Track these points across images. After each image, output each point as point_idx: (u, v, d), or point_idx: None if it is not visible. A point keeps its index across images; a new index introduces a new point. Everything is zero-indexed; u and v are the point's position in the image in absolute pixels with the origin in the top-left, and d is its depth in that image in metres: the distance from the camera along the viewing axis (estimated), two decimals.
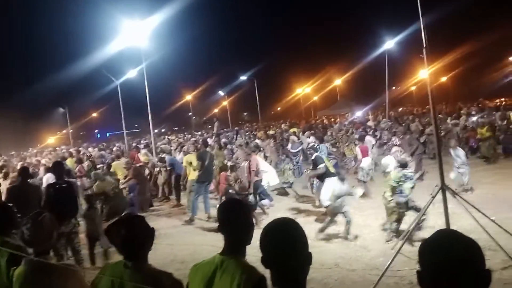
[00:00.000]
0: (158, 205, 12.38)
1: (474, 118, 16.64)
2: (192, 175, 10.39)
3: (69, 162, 13.05)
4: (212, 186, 11.14)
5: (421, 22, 5.90)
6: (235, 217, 2.19)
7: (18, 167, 10.94)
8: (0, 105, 43.36)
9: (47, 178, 9.14)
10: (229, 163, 11.00)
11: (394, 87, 49.91)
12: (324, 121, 33.19)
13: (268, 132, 22.47)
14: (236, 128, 32.89)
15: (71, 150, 20.52)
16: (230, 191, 9.24)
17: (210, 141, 18.86)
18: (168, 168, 12.45)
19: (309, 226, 8.57)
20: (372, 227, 8.11)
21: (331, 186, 8.71)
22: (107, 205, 9.48)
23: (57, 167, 6.59)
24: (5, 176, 11.27)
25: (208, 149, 11.11)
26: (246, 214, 2.25)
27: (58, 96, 52.03)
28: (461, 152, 10.51)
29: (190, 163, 10.42)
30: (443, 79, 51.89)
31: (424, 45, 5.95)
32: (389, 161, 7.73)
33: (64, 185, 6.18)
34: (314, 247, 7.22)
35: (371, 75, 44.09)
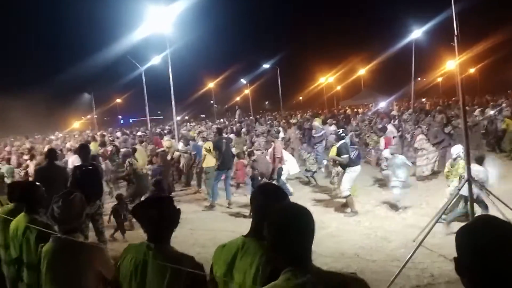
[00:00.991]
0: (179, 191, 12.53)
1: (492, 112, 16.12)
2: (208, 162, 10.47)
3: (93, 146, 13.30)
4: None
5: (453, 9, 5.72)
6: (264, 199, 2.16)
7: (45, 149, 11.20)
8: (29, 90, 44.42)
9: (73, 161, 9.37)
10: (248, 150, 11.05)
11: (419, 78, 48.92)
12: (347, 111, 32.80)
13: (290, 121, 22.41)
14: (256, 116, 32.87)
15: (95, 134, 20.93)
16: (256, 172, 9.27)
17: (234, 128, 18.98)
18: (192, 154, 12.56)
19: (329, 216, 8.58)
20: (393, 218, 8.03)
21: (353, 176, 8.66)
22: (131, 187, 9.65)
23: (83, 150, 6.72)
24: (32, 158, 11.59)
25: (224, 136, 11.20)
26: (279, 196, 2.21)
27: (84, 82, 53.01)
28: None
29: (209, 150, 10.49)
30: (471, 70, 50.48)
31: (456, 33, 5.78)
32: (459, 149, 7.56)
33: (90, 167, 6.31)
34: (335, 237, 7.23)
35: (397, 65, 43.26)
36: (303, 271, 1.62)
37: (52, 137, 27.11)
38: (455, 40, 5.76)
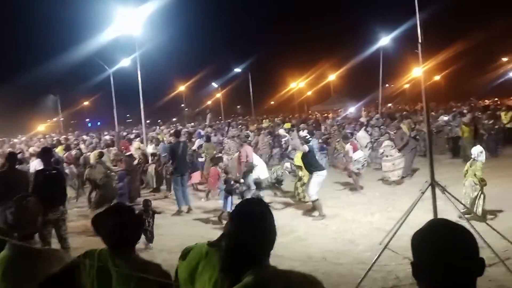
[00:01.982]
0: (147, 195, 12.32)
1: (446, 118, 16.73)
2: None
3: (59, 150, 12.94)
4: (198, 178, 11.15)
5: (417, 17, 5.90)
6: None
7: (6, 153, 10.80)
8: None
9: (35, 165, 9.07)
10: (219, 155, 10.98)
11: (387, 85, 50.09)
12: (317, 116, 33.21)
13: (261, 125, 22.48)
14: (228, 121, 32.83)
15: (60, 138, 20.37)
16: (229, 176, 9.23)
17: (202, 132, 18.85)
18: (160, 157, 12.39)
19: (297, 220, 8.64)
20: (360, 222, 8.15)
21: (320, 180, 8.77)
22: (96, 193, 9.42)
23: (46, 154, 6.50)
24: None
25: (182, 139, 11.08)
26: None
27: (49, 83, 51.43)
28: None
29: None
30: (437, 77, 52.11)
31: (419, 41, 5.95)
32: (478, 150, 7.83)
33: (53, 171, 6.11)
34: (302, 240, 7.27)
35: (365, 72, 44.09)
36: (262, 272, 1.62)
37: (16, 140, 26.20)
38: (419, 47, 5.93)
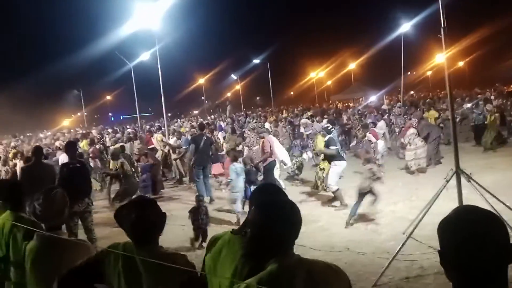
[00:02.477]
0: (171, 187, 12.49)
1: (468, 105, 16.29)
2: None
3: (83, 144, 13.20)
4: (219, 170, 11.19)
5: (440, 1, 5.73)
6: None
7: (32, 148, 11.09)
8: (16, 87, 43.79)
9: (62, 159, 9.28)
10: (238, 148, 10.98)
11: (409, 72, 49.20)
12: (338, 105, 32.89)
13: (281, 116, 22.41)
14: (244, 112, 32.81)
15: (84, 132, 20.78)
16: (248, 167, 9.23)
17: (223, 124, 18.92)
18: (183, 149, 12.51)
19: (319, 210, 8.62)
20: (383, 211, 8.05)
21: (338, 170, 8.72)
22: (120, 187, 9.58)
23: (70, 148, 6.65)
24: (14, 156, 11.42)
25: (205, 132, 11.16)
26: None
27: (72, 78, 52.43)
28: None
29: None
30: (460, 63, 50.87)
31: (442, 25, 5.79)
32: None
33: (77, 164, 6.25)
34: (325, 230, 7.25)
35: (387, 59, 43.48)
36: (286, 260, 1.63)
37: (41, 135, 26.85)
38: (442, 32, 5.77)
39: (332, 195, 8.89)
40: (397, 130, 14.45)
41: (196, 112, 50.58)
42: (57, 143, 15.42)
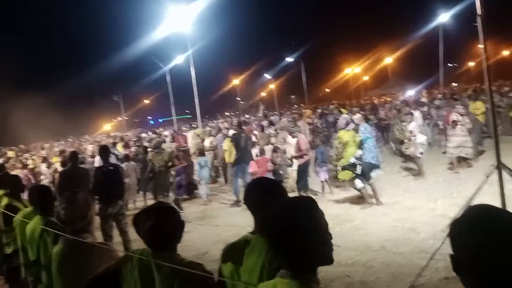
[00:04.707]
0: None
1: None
2: (230, 157, 10.49)
3: (119, 147, 13.54)
4: (253, 168, 11.15)
5: None
6: (263, 195, 2.09)
7: (69, 153, 11.50)
8: (56, 93, 45.43)
9: (96, 162, 9.55)
10: (270, 146, 10.91)
11: (450, 64, 47.44)
12: (374, 101, 32.11)
13: (316, 111, 22.18)
14: (281, 111, 32.66)
15: (119, 135, 21.34)
16: (277, 167, 9.18)
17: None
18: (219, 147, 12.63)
19: (354, 208, 8.38)
20: (423, 209, 7.77)
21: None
22: (153, 182, 9.71)
23: (103, 152, 6.81)
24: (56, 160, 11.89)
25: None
26: (277, 191, 2.12)
27: (111, 83, 53.94)
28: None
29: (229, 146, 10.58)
30: (505, 52, 48.48)
31: (479, 13, 5.48)
32: None
33: (110, 168, 6.38)
34: (360, 230, 7.05)
35: (425, 52, 42.05)
36: (295, 276, 1.52)
37: (82, 139, 27.83)
38: (478, 21, 5.46)
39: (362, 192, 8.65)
40: (440, 123, 13.83)
41: (231, 114, 50.97)
42: (90, 148, 15.90)
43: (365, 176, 8.33)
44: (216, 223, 8.23)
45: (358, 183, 8.35)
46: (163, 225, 2.15)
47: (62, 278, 2.71)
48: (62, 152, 15.58)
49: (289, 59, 47.15)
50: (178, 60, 27.14)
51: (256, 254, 1.97)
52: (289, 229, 1.52)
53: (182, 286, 2.05)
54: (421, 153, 10.52)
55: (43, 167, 13.11)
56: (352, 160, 8.29)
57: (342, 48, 56.13)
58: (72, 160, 7.00)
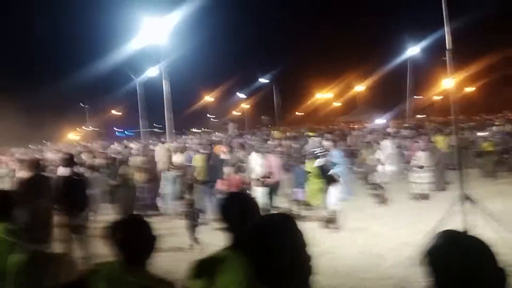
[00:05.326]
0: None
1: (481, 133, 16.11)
2: (200, 175, 10.42)
3: (86, 157, 13.14)
4: (222, 186, 11.06)
5: (445, 22, 5.65)
6: (238, 211, 2.03)
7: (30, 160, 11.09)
8: (23, 99, 44.01)
9: (62, 172, 9.18)
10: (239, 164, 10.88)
11: (415, 96, 49.16)
12: (342, 127, 32.80)
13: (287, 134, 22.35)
14: (253, 131, 32.83)
15: (85, 144, 20.80)
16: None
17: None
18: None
19: (322, 232, 8.37)
20: (388, 235, 7.85)
21: (337, 190, 8.60)
22: (119, 196, 9.46)
23: (68, 161, 6.54)
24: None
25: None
26: (256, 207, 2.08)
27: (80, 92, 52.73)
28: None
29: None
30: (468, 89, 50.75)
31: (448, 47, 5.70)
32: None
33: (75, 177, 6.13)
34: (328, 254, 7.03)
35: (394, 82, 43.50)
36: None
37: (44, 147, 26.94)
38: (447, 55, 5.68)
39: (326, 215, 8.71)
40: (405, 152, 14.22)
41: (199, 129, 50.78)
42: (50, 156, 15.38)
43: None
44: (181, 241, 8.02)
45: (330, 205, 8.41)
46: (135, 238, 2.08)
47: (21, 286, 2.54)
48: (21, 160, 14.99)
49: (262, 80, 47.72)
50: (151, 72, 26.88)
51: (232, 271, 1.91)
52: (271, 245, 1.51)
53: None
54: (386, 182, 10.77)
55: (2, 171, 12.57)
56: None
57: (315, 72, 57.32)
58: (35, 168, 6.68)
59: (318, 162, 8.78)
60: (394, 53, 36.68)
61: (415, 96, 43.46)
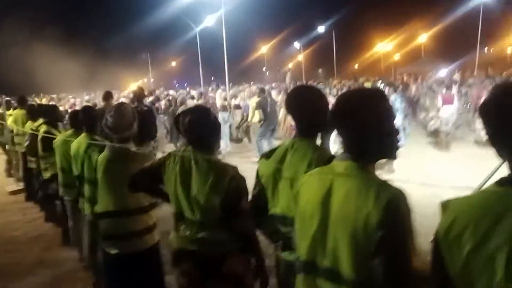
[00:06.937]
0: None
1: None
2: (255, 117, 10.68)
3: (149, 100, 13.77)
4: (280, 131, 11.26)
5: None
6: (304, 100, 2.14)
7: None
8: (86, 51, 45.68)
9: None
10: None
11: (486, 48, 45.79)
12: (404, 78, 31.37)
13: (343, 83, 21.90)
14: (309, 82, 32.30)
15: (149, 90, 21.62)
16: None
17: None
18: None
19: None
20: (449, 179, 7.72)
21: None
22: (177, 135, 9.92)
23: (138, 95, 6.95)
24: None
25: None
26: (316, 97, 2.17)
27: (141, 43, 54.05)
28: None
29: (255, 107, 10.69)
30: None
31: None
32: None
33: (145, 107, 6.53)
34: None
35: (462, 32, 40.60)
36: (355, 159, 1.51)
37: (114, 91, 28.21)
38: None
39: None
40: (471, 99, 13.56)
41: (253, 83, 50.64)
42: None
43: None
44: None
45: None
46: (200, 122, 2.29)
47: (108, 180, 2.88)
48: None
49: (321, 28, 46.16)
50: (208, 21, 26.80)
51: (301, 153, 2.05)
52: (356, 115, 1.49)
53: (217, 181, 2.20)
54: (448, 131, 10.43)
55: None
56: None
57: (374, 23, 54.71)
58: (106, 99, 7.20)
59: None
60: None
61: (486, 48, 40.50)
